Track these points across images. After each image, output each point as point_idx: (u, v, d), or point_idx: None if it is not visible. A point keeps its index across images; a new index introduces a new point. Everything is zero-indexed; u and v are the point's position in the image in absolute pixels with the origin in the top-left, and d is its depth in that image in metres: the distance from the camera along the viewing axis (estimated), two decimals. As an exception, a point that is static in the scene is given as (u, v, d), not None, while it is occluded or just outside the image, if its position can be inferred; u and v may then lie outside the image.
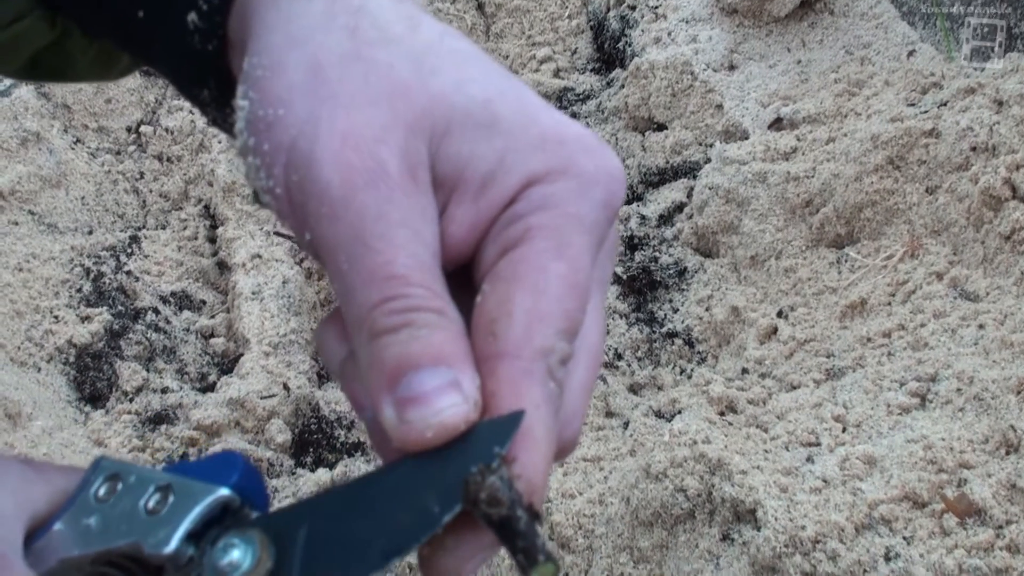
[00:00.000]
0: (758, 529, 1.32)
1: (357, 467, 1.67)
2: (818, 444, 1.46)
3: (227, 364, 1.96)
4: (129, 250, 2.17)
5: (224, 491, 0.53)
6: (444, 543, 0.49)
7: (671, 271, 2.01)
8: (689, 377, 1.74)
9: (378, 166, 0.49)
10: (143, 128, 2.51)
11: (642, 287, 2.01)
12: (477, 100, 0.52)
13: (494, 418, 0.48)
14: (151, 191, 2.38)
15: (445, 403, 0.48)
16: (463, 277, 0.54)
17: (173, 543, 0.52)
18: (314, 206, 0.50)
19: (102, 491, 0.55)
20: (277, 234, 0.68)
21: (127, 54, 0.68)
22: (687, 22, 2.48)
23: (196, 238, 2.26)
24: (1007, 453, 1.35)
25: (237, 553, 0.51)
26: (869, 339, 1.66)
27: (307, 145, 0.50)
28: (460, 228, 0.52)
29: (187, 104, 2.51)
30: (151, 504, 0.54)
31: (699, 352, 1.80)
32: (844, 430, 1.48)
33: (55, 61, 0.70)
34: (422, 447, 0.48)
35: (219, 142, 2.38)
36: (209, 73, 0.60)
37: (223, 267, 2.15)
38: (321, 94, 0.51)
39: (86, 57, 0.70)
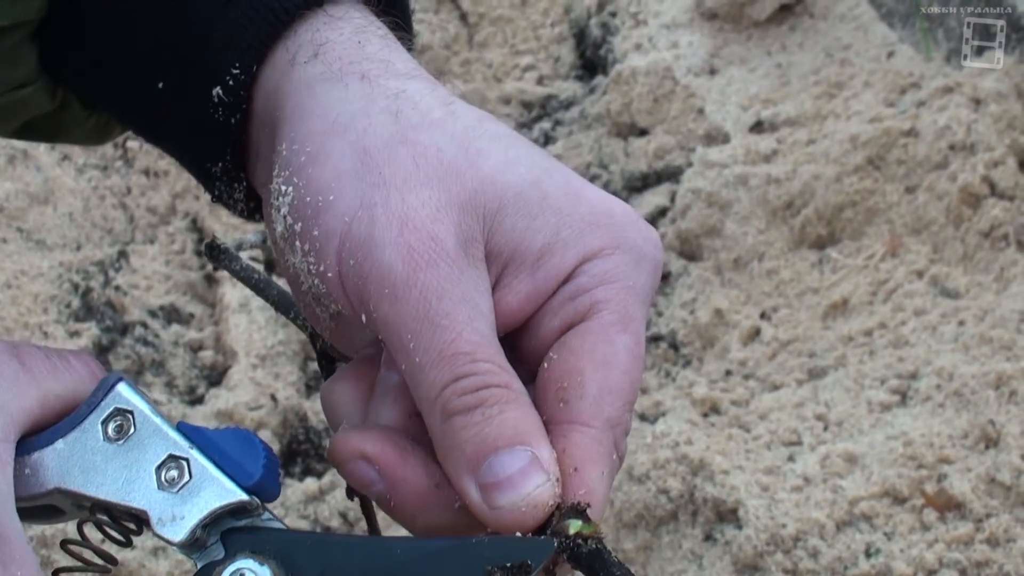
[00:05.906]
0: (740, 528, 1.34)
1: (345, 476, 1.67)
2: (800, 443, 1.47)
3: (215, 377, 1.96)
4: (117, 265, 2.18)
5: (243, 496, 0.53)
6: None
7: (656, 275, 2.01)
8: (673, 380, 1.75)
9: (437, 245, 0.51)
10: (129, 143, 2.52)
11: (627, 291, 2.01)
12: (526, 180, 0.55)
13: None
14: (138, 206, 2.39)
15: (530, 485, 0.50)
16: (506, 341, 0.56)
17: (183, 534, 0.51)
18: (375, 288, 0.51)
19: (111, 428, 0.52)
20: (323, 355, 0.66)
21: (130, 129, 0.68)
22: (668, 28, 2.49)
23: (184, 252, 2.26)
24: (986, 447, 1.36)
25: None
26: (851, 338, 1.68)
27: (364, 230, 0.52)
28: (516, 297, 0.55)
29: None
30: (165, 475, 0.51)
31: (684, 355, 1.81)
32: (826, 428, 1.49)
33: (49, 128, 0.70)
34: (516, 530, 0.50)
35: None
36: (228, 146, 0.60)
37: (211, 280, 2.16)
38: (371, 179, 0.53)
39: (82, 128, 0.70)
